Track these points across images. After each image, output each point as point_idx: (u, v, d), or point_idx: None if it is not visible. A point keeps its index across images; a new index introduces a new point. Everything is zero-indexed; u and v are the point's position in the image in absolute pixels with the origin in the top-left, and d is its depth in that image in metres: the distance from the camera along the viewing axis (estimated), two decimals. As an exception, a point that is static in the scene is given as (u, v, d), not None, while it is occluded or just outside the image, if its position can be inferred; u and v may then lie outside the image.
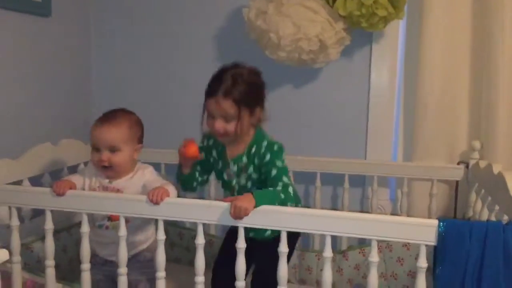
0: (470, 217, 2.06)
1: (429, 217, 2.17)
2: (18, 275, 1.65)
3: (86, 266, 1.62)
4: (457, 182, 2.19)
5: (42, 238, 1.88)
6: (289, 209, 1.50)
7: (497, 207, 1.68)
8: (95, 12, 2.63)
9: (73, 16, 2.50)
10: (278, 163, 1.65)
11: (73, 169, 2.21)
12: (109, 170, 1.71)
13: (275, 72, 2.39)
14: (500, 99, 2.08)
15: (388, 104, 2.34)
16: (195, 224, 2.34)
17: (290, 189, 1.64)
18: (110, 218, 1.64)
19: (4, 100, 2.07)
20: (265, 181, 1.67)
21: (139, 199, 1.54)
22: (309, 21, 2.07)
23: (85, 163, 2.27)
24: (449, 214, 2.24)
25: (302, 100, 2.43)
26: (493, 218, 1.72)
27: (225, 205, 1.49)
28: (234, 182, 1.73)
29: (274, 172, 1.64)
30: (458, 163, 2.20)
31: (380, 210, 2.33)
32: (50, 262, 1.64)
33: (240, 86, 1.62)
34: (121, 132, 1.71)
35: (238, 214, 1.46)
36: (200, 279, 1.54)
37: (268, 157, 1.66)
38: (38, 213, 1.92)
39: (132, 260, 1.75)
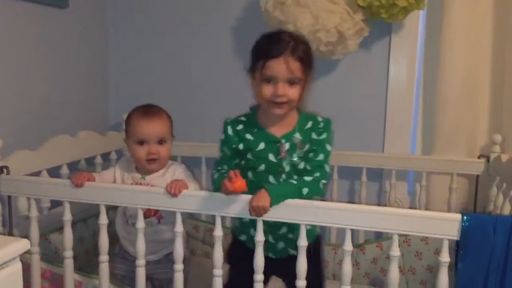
0: (491, 211, 2.02)
1: (449, 211, 2.14)
2: (37, 265, 1.66)
3: (104, 257, 1.62)
4: (477, 176, 2.16)
5: (59, 229, 1.90)
6: (308, 203, 1.47)
7: (520, 202, 1.65)
8: (111, 4, 2.63)
9: (90, 7, 2.50)
10: (328, 148, 1.54)
11: (91, 161, 2.22)
12: (155, 163, 1.72)
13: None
14: (522, 91, 2.05)
15: (406, 97, 2.31)
16: (210, 216, 2.40)
17: (321, 183, 1.50)
18: (144, 216, 1.64)
19: (23, 92, 2.08)
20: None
21: (157, 191, 1.54)
22: (327, 12, 2.04)
23: (102, 155, 2.28)
24: (469, 208, 2.20)
25: (320, 92, 2.40)
26: (515, 213, 1.69)
27: (243, 197, 1.48)
28: (285, 162, 1.53)
29: (321, 156, 1.51)
30: (479, 157, 2.16)
31: (397, 204, 2.30)
32: (68, 253, 1.64)
33: (303, 46, 1.48)
34: (167, 124, 1.75)
35: (258, 214, 1.43)
36: (218, 271, 1.52)
37: (324, 136, 1.53)
38: (54, 204, 1.93)
39: (164, 260, 1.77)
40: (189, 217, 2.37)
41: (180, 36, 2.58)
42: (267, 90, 1.47)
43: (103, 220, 1.60)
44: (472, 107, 2.19)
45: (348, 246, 1.42)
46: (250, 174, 1.56)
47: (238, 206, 1.48)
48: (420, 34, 2.29)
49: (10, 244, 1.04)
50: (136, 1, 2.62)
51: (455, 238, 1.33)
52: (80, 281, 1.68)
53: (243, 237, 1.65)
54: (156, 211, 1.73)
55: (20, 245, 1.07)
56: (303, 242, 1.45)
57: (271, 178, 1.55)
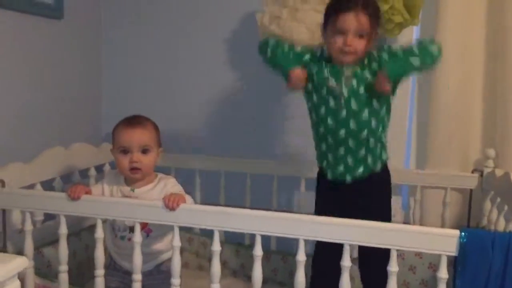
0: (485, 226, 2.04)
1: (442, 226, 2.16)
2: (31, 280, 1.64)
3: (100, 272, 1.60)
4: (471, 190, 2.17)
5: (52, 243, 1.87)
6: (305, 217, 1.48)
7: (515, 217, 1.67)
8: (106, 16, 2.63)
9: (85, 19, 2.50)
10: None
11: (84, 173, 2.20)
12: (138, 172, 1.70)
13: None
14: (515, 107, 2.07)
15: (401, 111, 2.32)
16: (204, 229, 2.38)
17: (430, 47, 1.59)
18: (132, 230, 1.62)
19: (16, 103, 2.06)
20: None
21: (155, 205, 1.53)
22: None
23: (96, 167, 2.27)
24: (462, 223, 2.22)
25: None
26: (510, 227, 1.70)
27: (241, 212, 1.48)
28: (345, 91, 1.65)
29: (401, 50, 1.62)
30: (472, 171, 2.18)
31: (392, 219, 2.30)
32: (63, 267, 1.62)
33: (371, 2, 1.65)
34: (151, 133, 1.73)
35: None
36: (215, 286, 1.51)
37: (385, 54, 1.64)
38: (48, 217, 1.91)
39: (155, 271, 1.76)
40: (183, 230, 2.35)
41: (176, 48, 2.58)
42: (337, 40, 1.63)
43: (100, 234, 1.58)
44: (465, 121, 2.21)
45: (347, 261, 1.42)
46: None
47: (236, 220, 1.48)
48: (414, 50, 2.31)
49: (9, 262, 1.03)
50: (131, 13, 2.62)
51: (453, 254, 1.34)
52: (74, 296, 1.66)
53: (324, 164, 1.78)
54: (145, 225, 1.71)
55: (18, 263, 1.05)
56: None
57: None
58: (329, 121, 1.70)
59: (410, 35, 2.26)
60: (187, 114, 2.59)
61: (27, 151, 1.94)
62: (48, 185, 1.96)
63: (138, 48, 2.62)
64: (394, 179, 2.21)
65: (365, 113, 1.67)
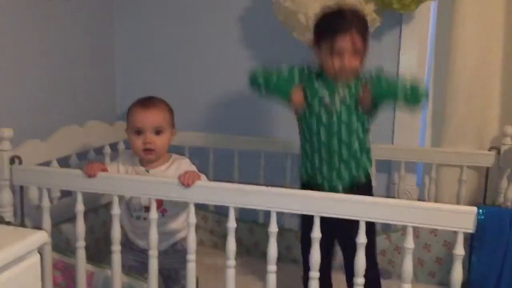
0: (501, 204, 2.02)
1: (458, 203, 2.14)
2: (49, 256, 1.66)
3: (116, 248, 1.62)
4: (487, 168, 2.15)
5: (70, 219, 1.89)
6: (321, 194, 1.48)
7: (532, 195, 1.65)
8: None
9: (97, -4, 2.48)
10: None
11: (99, 151, 2.21)
12: (152, 154, 1.71)
13: (302, 53, 2.35)
14: (534, 83, 2.04)
15: (417, 88, 2.29)
16: (219, 207, 2.40)
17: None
18: (148, 209, 1.63)
19: (31, 82, 2.06)
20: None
21: (170, 182, 1.53)
22: (339, 1, 2.02)
23: (111, 145, 2.28)
24: (478, 200, 2.19)
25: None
26: (527, 206, 1.69)
27: (257, 189, 1.49)
28: (337, 104, 1.71)
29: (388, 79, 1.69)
30: (489, 149, 2.15)
31: (407, 196, 2.30)
32: (81, 244, 1.64)
33: (362, 21, 1.70)
34: (165, 114, 1.74)
35: None
36: (231, 262, 1.53)
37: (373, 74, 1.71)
38: (65, 194, 1.93)
39: (171, 250, 1.79)
40: (198, 208, 2.36)
41: (188, 25, 2.56)
42: (336, 61, 1.66)
43: (116, 210, 1.60)
44: (482, 98, 2.17)
45: (362, 238, 1.42)
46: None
47: (252, 197, 1.48)
48: (431, 25, 2.27)
49: (29, 236, 1.04)
50: (144, -10, 2.60)
51: (470, 231, 1.33)
52: (92, 271, 1.69)
53: (318, 178, 1.79)
54: (160, 205, 1.72)
55: (38, 237, 1.06)
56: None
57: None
58: (322, 134, 1.74)
59: (427, 11, 2.22)
60: (201, 92, 2.58)
61: (43, 129, 1.96)
62: (64, 162, 1.98)
63: (151, 25, 2.61)
64: (409, 157, 2.21)
65: (354, 122, 1.73)
